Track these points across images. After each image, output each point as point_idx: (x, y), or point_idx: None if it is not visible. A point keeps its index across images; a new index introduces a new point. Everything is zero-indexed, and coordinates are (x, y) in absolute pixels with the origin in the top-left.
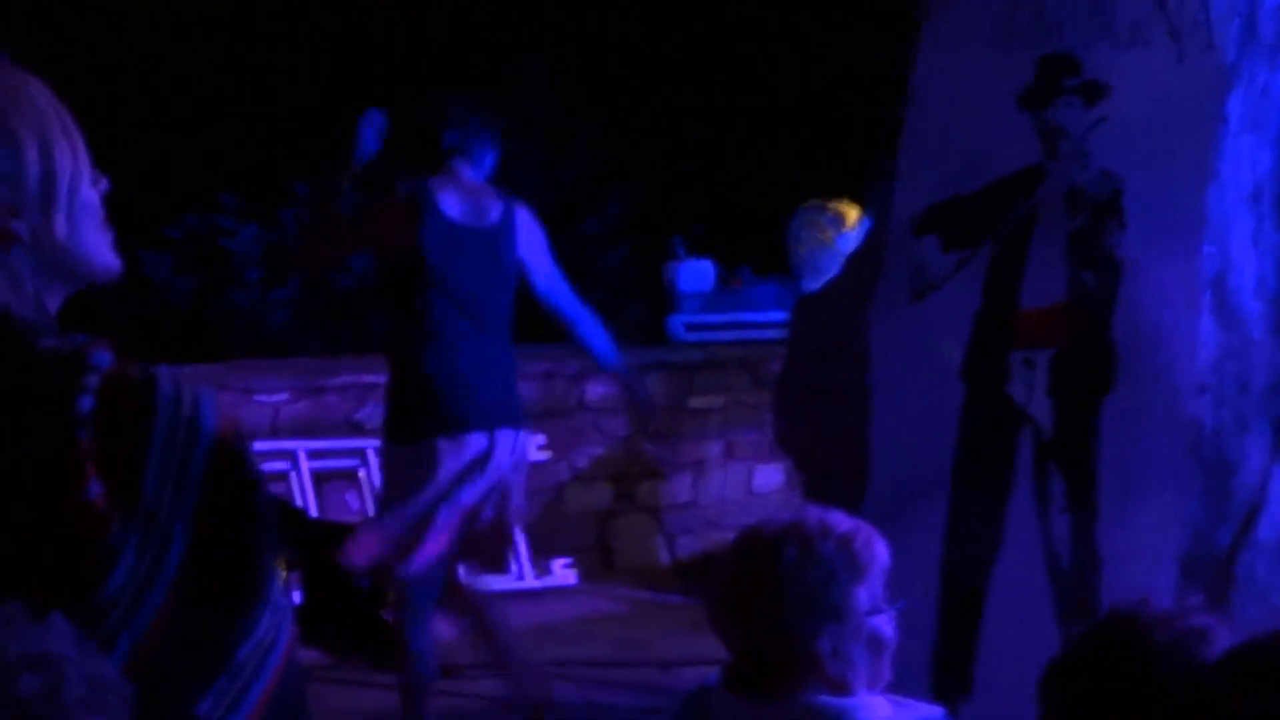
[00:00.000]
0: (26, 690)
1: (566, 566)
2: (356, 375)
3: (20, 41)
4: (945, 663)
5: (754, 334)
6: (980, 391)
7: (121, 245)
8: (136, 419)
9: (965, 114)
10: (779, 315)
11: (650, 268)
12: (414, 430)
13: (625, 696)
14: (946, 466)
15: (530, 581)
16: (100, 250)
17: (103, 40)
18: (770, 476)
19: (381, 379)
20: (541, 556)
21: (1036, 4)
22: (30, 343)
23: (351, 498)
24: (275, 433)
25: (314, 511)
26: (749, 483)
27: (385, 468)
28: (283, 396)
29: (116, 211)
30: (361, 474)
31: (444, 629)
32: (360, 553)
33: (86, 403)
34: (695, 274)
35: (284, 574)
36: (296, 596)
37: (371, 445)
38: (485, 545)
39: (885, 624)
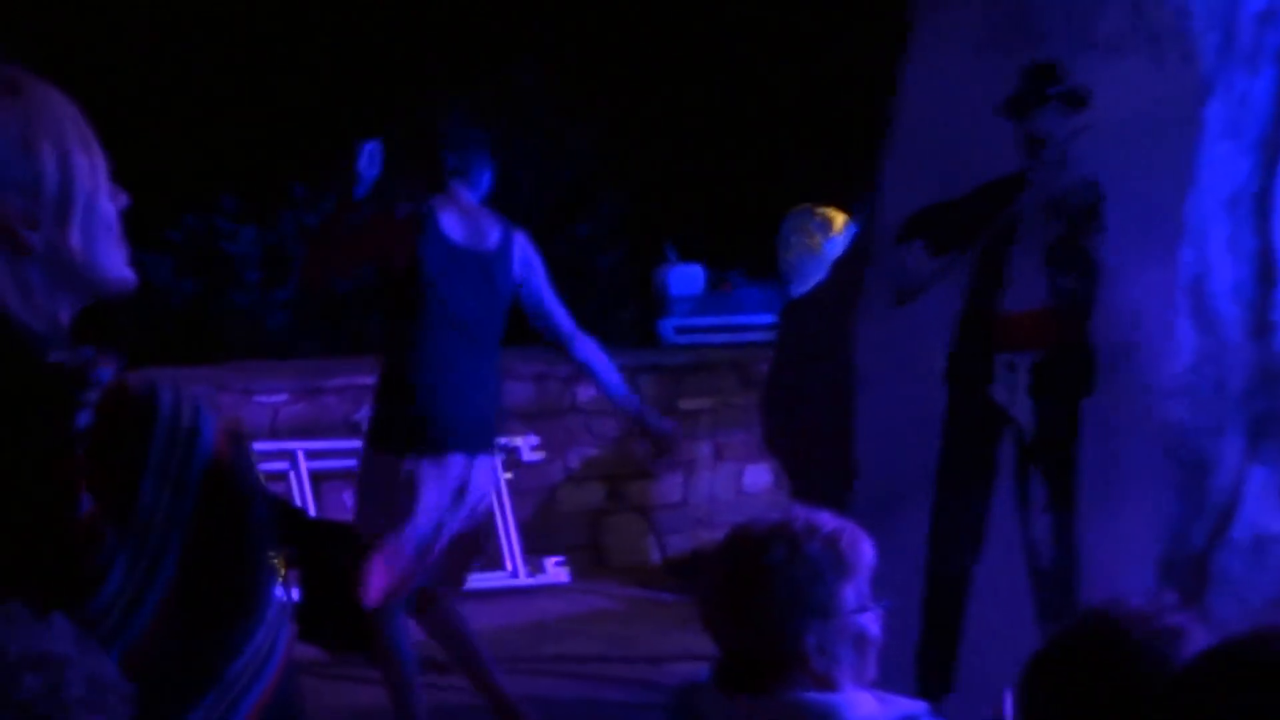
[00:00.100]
0: (28, 689)
1: (559, 565)
2: (354, 377)
3: (23, 45)
4: (928, 659)
5: (743, 337)
6: (963, 394)
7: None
8: (134, 435)
9: (950, 121)
10: (767, 318)
11: (641, 272)
12: (396, 442)
13: (617, 692)
14: (930, 467)
15: (524, 579)
16: (115, 264)
17: (103, 43)
18: (759, 476)
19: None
20: (535, 555)
21: (1019, 14)
22: (37, 356)
23: (349, 497)
24: (274, 433)
25: (312, 511)
26: (738, 482)
27: (362, 471)
28: (282, 397)
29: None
30: None
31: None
32: (376, 592)
33: (84, 418)
34: (685, 278)
35: (283, 572)
36: (295, 594)
37: None
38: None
39: (871, 622)
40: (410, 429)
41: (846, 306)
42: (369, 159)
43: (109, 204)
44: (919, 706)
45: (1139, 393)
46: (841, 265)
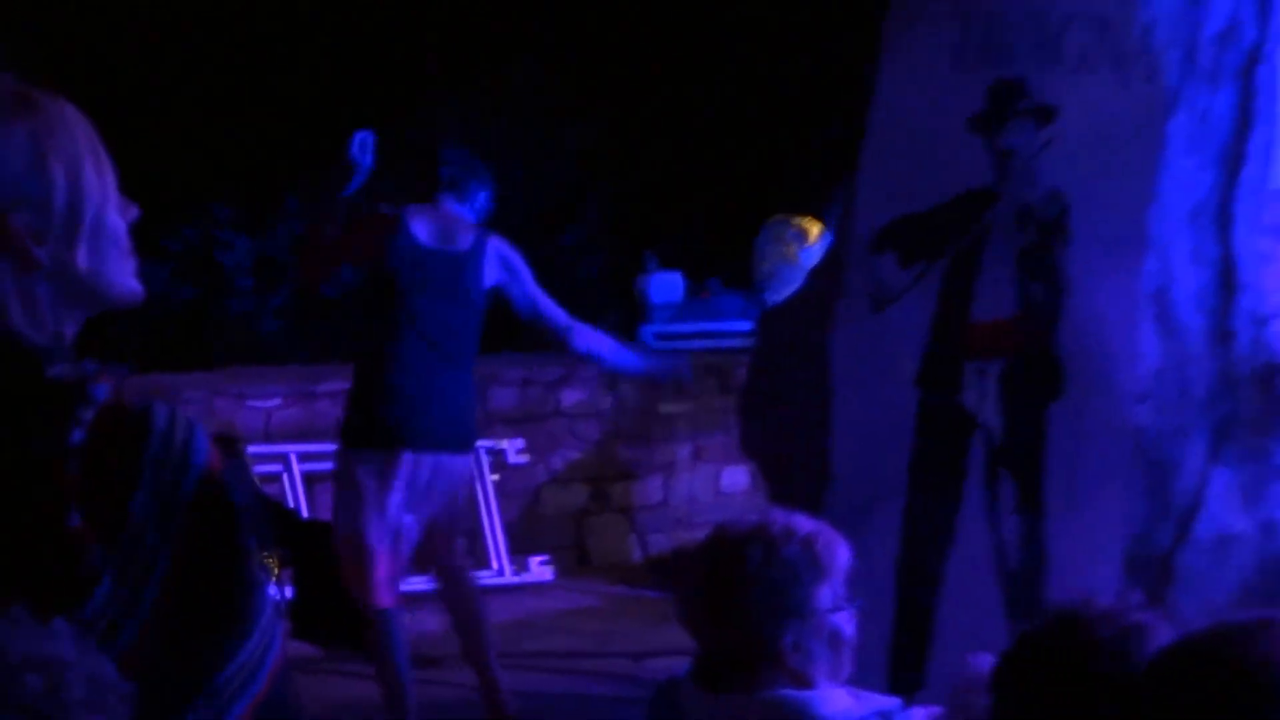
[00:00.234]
0: (30, 691)
1: (544, 564)
2: (346, 382)
3: (26, 60)
4: (901, 656)
5: (721, 343)
6: (935, 399)
7: None
8: (126, 453)
9: (921, 136)
10: (744, 325)
11: (623, 280)
12: (349, 438)
13: (600, 686)
14: (903, 470)
15: (509, 578)
16: (123, 277)
17: (104, 59)
18: (737, 478)
19: None
20: (520, 554)
21: (989, 33)
22: (37, 371)
23: None
24: (268, 437)
25: (305, 512)
26: (716, 484)
27: (334, 467)
28: (275, 402)
29: None
30: None
31: (426, 619)
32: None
33: (77, 436)
34: (666, 286)
35: (276, 571)
36: (288, 592)
37: None
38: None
39: (845, 621)
40: (360, 426)
41: (822, 314)
42: (360, 147)
43: (118, 218)
44: (892, 703)
45: (1105, 398)
46: (817, 274)
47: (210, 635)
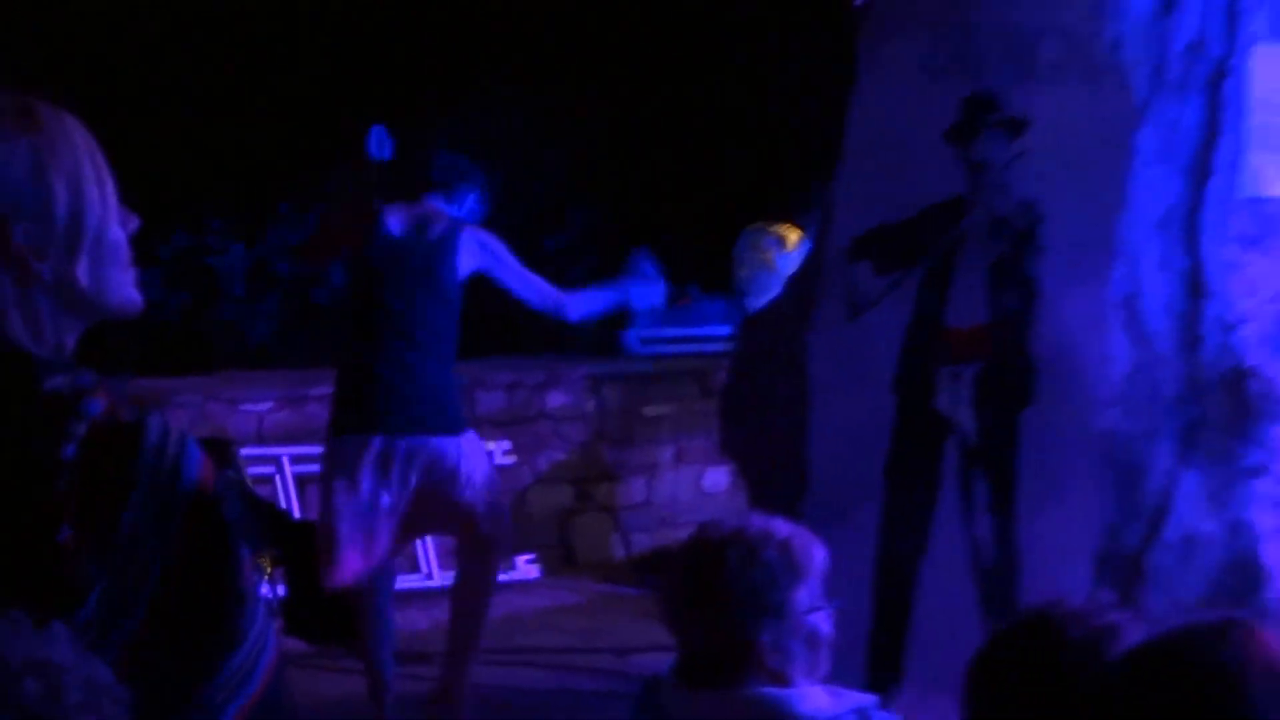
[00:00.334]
0: (29, 694)
1: (530, 562)
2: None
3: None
4: (878, 653)
5: (702, 347)
6: (910, 403)
7: None
8: (117, 468)
9: (897, 147)
10: (725, 330)
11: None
12: (332, 424)
13: (585, 681)
14: (879, 471)
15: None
16: (123, 288)
17: (97, 71)
18: (718, 478)
19: None
20: (506, 551)
21: (962, 46)
22: (35, 383)
23: None
24: (261, 439)
25: (297, 512)
26: (698, 484)
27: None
28: (267, 405)
29: None
30: None
31: (415, 617)
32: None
33: (69, 450)
34: (648, 291)
35: (268, 570)
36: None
37: None
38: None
39: (823, 621)
40: (335, 414)
41: (801, 320)
42: (378, 143)
43: (119, 230)
44: (868, 700)
45: (1075, 402)
46: (796, 282)
47: (200, 647)
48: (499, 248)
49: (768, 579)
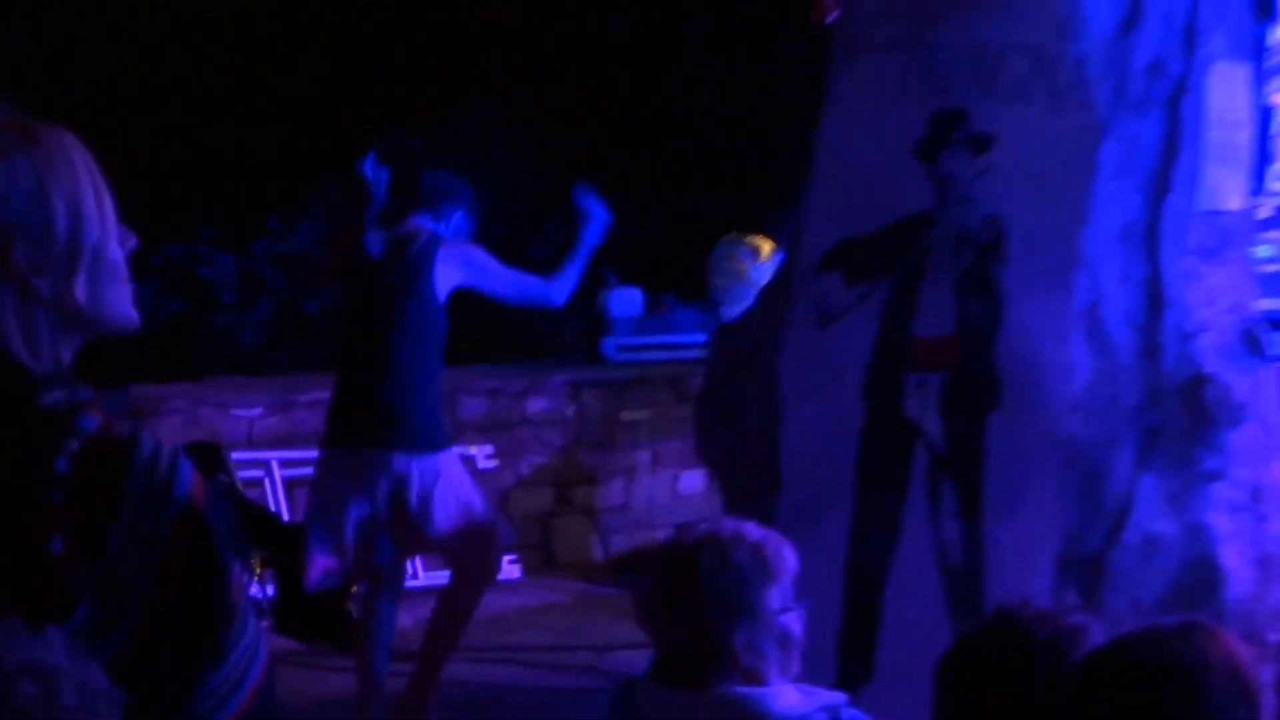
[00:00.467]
0: (25, 696)
1: (512, 562)
2: (324, 392)
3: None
4: (850, 650)
5: (678, 354)
6: (879, 410)
7: None
8: (109, 483)
9: (866, 162)
10: (699, 338)
11: (585, 294)
12: (321, 437)
13: (565, 678)
14: (849, 476)
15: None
16: (120, 305)
17: (91, 85)
18: (693, 481)
19: None
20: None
21: (929, 65)
22: (32, 398)
23: None
24: (251, 444)
25: (286, 515)
26: (674, 487)
27: None
28: (257, 411)
29: None
30: None
31: (400, 616)
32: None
33: (62, 465)
34: (625, 300)
35: (258, 571)
36: (270, 590)
37: None
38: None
39: (794, 621)
40: (324, 423)
41: (773, 330)
42: (373, 169)
43: (117, 248)
44: (838, 698)
45: (1039, 409)
46: (768, 292)
47: (187, 659)
48: (480, 259)
49: (741, 580)
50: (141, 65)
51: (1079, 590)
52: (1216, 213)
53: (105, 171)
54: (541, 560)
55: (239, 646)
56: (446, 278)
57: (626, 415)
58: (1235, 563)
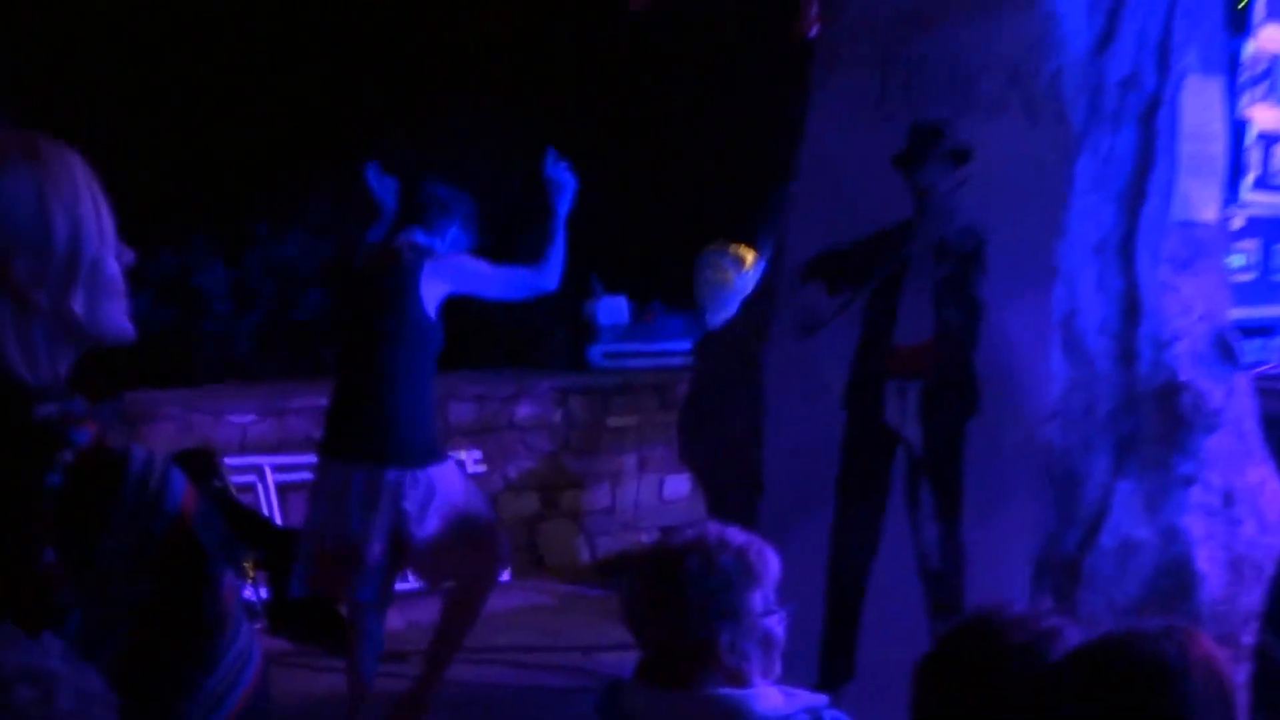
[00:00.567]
0: (22, 701)
1: None
2: (314, 398)
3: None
4: (832, 650)
5: (664, 362)
6: (860, 416)
7: None
8: (101, 496)
9: (847, 174)
10: (685, 345)
11: (572, 303)
12: (319, 444)
13: (552, 678)
14: (831, 481)
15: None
16: (116, 318)
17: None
18: (678, 486)
19: None
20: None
21: (909, 79)
22: (28, 410)
23: None
24: (244, 449)
25: (279, 519)
26: (659, 491)
27: None
28: (250, 417)
29: None
30: None
31: (392, 618)
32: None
33: (55, 478)
34: (612, 308)
35: (252, 574)
36: (263, 593)
37: None
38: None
39: (776, 624)
40: (322, 436)
41: (756, 337)
42: (376, 179)
43: (114, 263)
44: (820, 699)
45: (1017, 416)
46: (752, 300)
47: (178, 668)
48: (468, 266)
49: (725, 584)
50: (132, 76)
51: (1056, 593)
52: (1191, 224)
53: (101, 183)
54: (529, 563)
55: (232, 651)
56: (434, 291)
57: (613, 421)
58: (1209, 566)
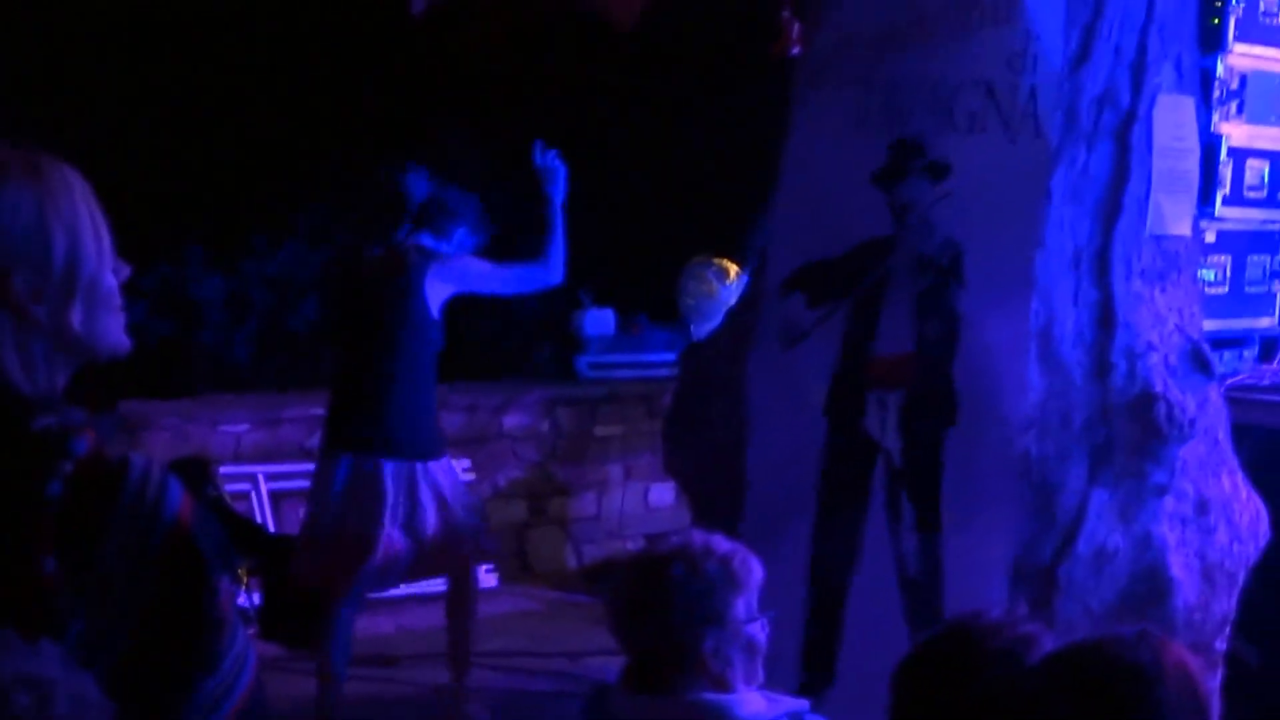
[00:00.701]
0: (19, 706)
1: (489, 571)
2: (307, 408)
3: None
4: (813, 656)
5: (649, 372)
6: (840, 426)
7: None
8: (100, 506)
9: (828, 189)
10: (670, 356)
11: (560, 315)
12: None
13: (539, 683)
14: (812, 490)
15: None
16: (112, 332)
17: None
18: (663, 494)
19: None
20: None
21: (888, 96)
22: (26, 422)
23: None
24: (238, 458)
25: (272, 527)
26: (645, 499)
27: None
28: (244, 427)
29: None
30: None
31: (383, 623)
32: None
33: (55, 488)
34: (598, 320)
35: (245, 581)
36: (256, 599)
37: None
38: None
39: (759, 631)
40: (324, 433)
41: (739, 349)
42: (413, 181)
43: (111, 278)
44: (802, 704)
45: (994, 426)
46: (735, 312)
47: (176, 672)
48: (471, 267)
49: (709, 590)
50: (128, 87)
51: (1033, 599)
52: (1164, 238)
53: (98, 195)
54: (517, 569)
55: (229, 655)
56: (438, 292)
57: (599, 430)
58: (1183, 573)
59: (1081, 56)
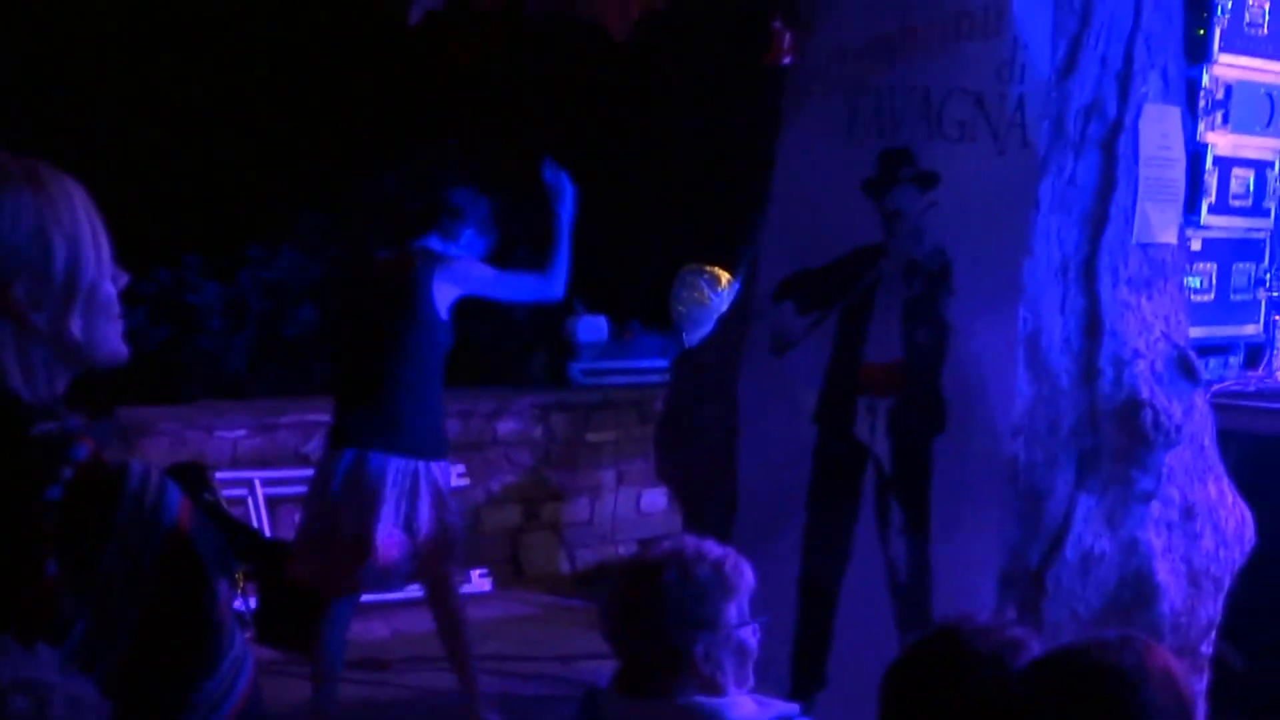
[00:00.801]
0: (17, 710)
1: (483, 576)
2: (303, 414)
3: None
4: (803, 660)
5: (641, 379)
6: (830, 432)
7: None
8: (100, 510)
9: (818, 197)
10: (662, 363)
11: (553, 321)
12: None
13: (532, 686)
14: (802, 495)
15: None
16: (110, 340)
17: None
18: (655, 499)
19: (324, 417)
20: (461, 568)
21: (878, 106)
22: (26, 428)
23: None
24: (235, 464)
25: (268, 532)
26: (637, 504)
27: None
28: (241, 433)
29: None
30: None
31: (376, 627)
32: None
33: (55, 493)
34: (591, 327)
35: (241, 585)
36: (252, 603)
37: None
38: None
39: (750, 635)
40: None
41: (730, 356)
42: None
43: (110, 286)
44: (792, 708)
45: (982, 432)
46: (727, 320)
47: (176, 674)
48: (476, 271)
49: (701, 595)
50: (127, 95)
51: (1021, 604)
52: (1151, 246)
53: (97, 203)
54: (511, 574)
55: (227, 658)
56: (445, 294)
57: (592, 436)
58: (1169, 578)
59: (1069, 67)
